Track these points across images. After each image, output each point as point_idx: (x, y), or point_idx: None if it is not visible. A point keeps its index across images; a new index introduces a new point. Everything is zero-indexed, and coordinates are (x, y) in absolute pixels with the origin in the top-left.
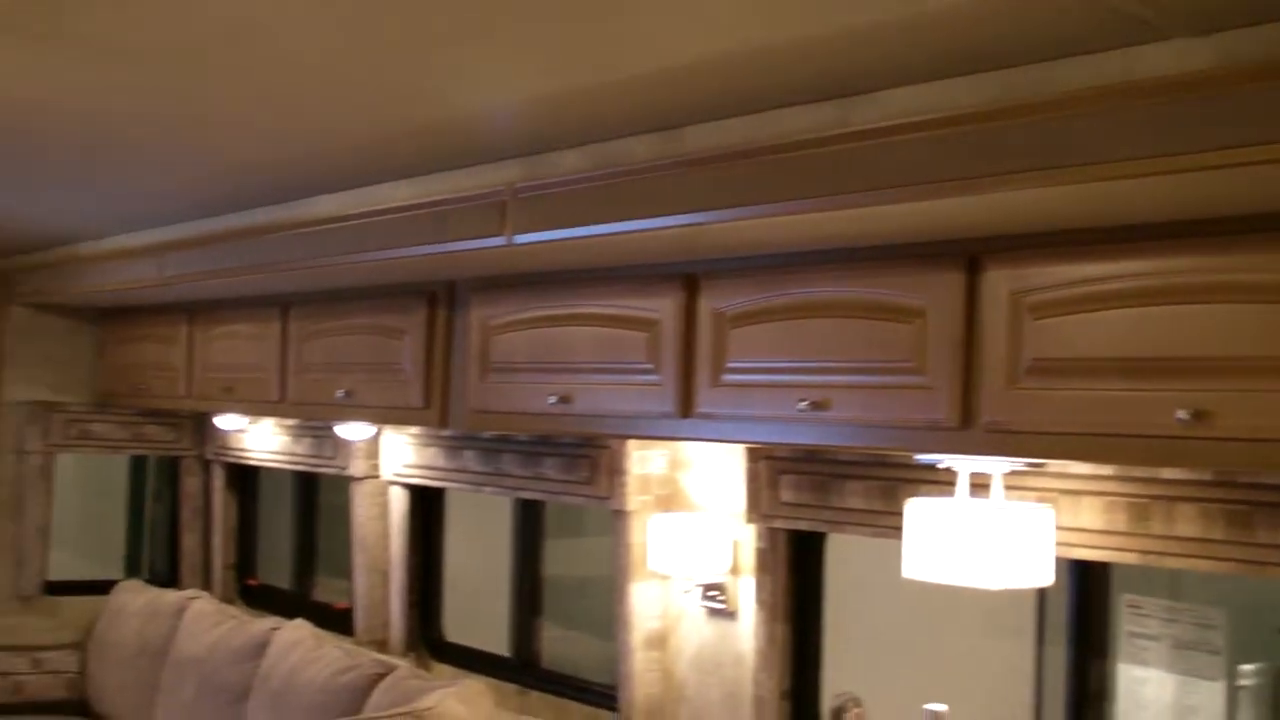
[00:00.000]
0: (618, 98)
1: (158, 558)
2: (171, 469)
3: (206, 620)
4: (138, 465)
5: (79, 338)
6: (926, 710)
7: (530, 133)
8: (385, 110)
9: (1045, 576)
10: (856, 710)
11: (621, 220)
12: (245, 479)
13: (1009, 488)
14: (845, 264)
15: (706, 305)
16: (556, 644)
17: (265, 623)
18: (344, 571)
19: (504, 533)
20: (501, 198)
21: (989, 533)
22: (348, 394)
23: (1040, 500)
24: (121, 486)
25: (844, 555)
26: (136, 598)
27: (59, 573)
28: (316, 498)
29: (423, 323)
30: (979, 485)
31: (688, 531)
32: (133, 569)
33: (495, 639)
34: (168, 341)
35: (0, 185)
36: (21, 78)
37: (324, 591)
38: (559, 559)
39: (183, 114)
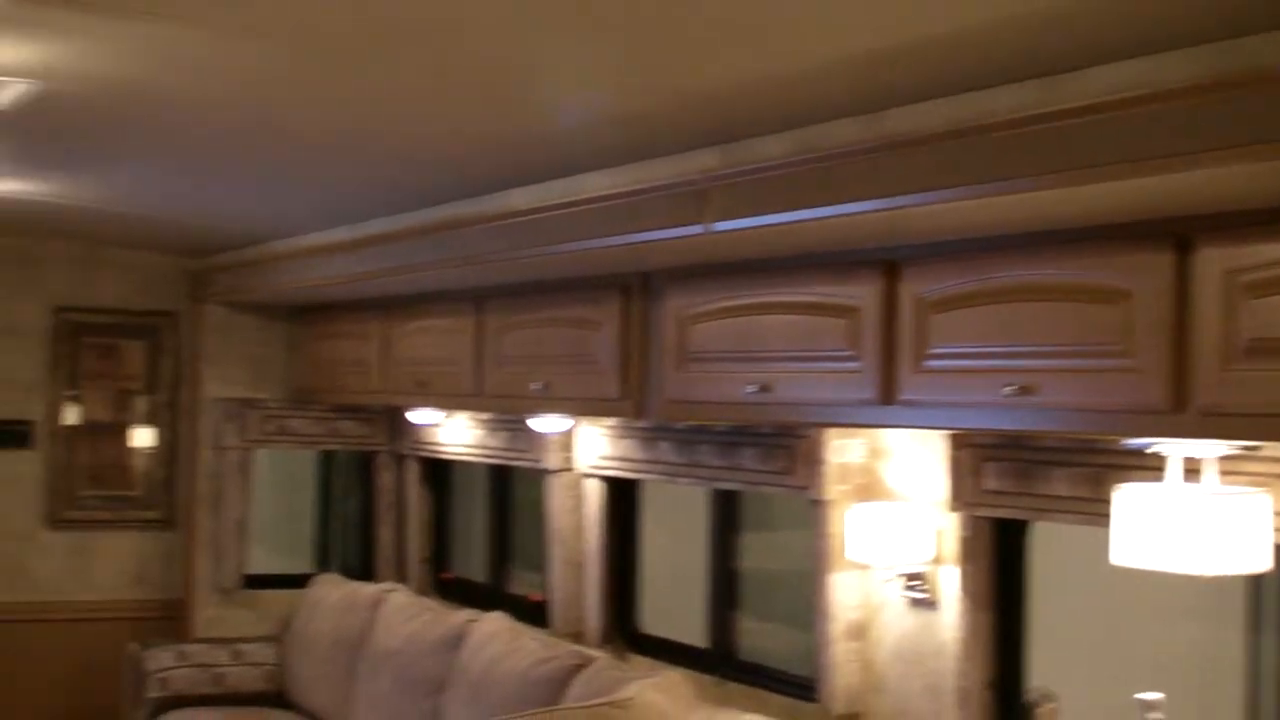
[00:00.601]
0: (819, 82)
1: (348, 552)
2: (361, 464)
3: (403, 613)
4: (325, 460)
5: (274, 335)
6: (1139, 699)
7: (729, 119)
8: (580, 100)
9: (1262, 562)
10: (1050, 705)
11: (823, 205)
12: (439, 473)
13: (1223, 472)
14: (1050, 246)
15: (908, 291)
16: (751, 636)
17: (462, 615)
18: (537, 564)
19: (697, 524)
20: (700, 185)
21: (1203, 519)
22: (543, 387)
23: (1255, 485)
24: (310, 482)
25: (1038, 542)
26: (333, 591)
27: (255, 567)
28: (510, 491)
29: (618, 314)
30: (1189, 470)
31: (888, 520)
32: (322, 563)
33: (691, 631)
34: (362, 337)
35: (199, 185)
36: (218, 74)
37: (518, 584)
38: (748, 552)
39: (377, 109)
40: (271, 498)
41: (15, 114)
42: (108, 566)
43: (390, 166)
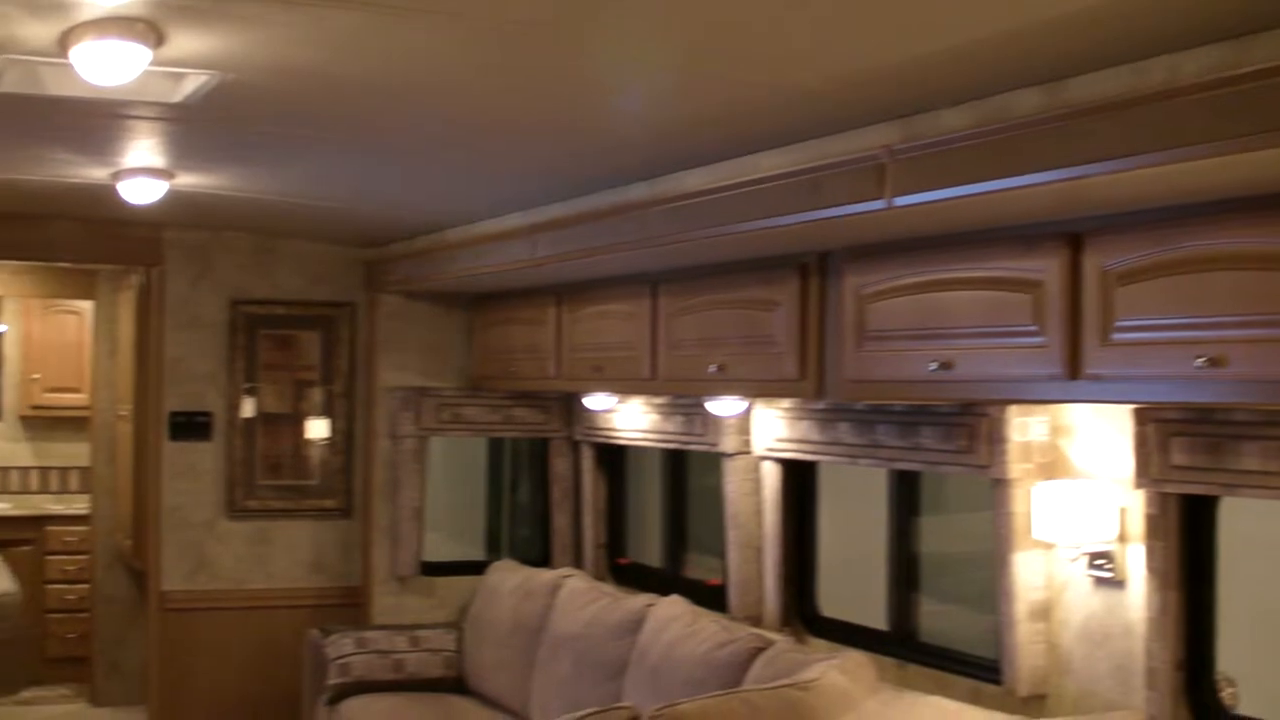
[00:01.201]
0: (999, 52)
1: (518, 538)
2: (533, 450)
3: (581, 598)
4: (495, 447)
5: (449, 323)
6: None
7: (908, 92)
8: (757, 77)
9: None
10: (1230, 690)
11: (1005, 177)
12: (613, 459)
13: None
14: (1239, 213)
15: (1092, 263)
16: (931, 619)
17: (640, 599)
18: (712, 549)
19: (875, 505)
20: (879, 160)
21: None
22: (720, 369)
23: None
24: (480, 469)
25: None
26: (511, 577)
27: (429, 554)
28: (685, 476)
29: (795, 294)
30: None
31: (1073, 499)
32: (493, 550)
33: (869, 613)
34: (537, 324)
35: (377, 175)
36: (399, 61)
37: (694, 569)
38: (928, 534)
39: (554, 92)
40: (442, 485)
41: (196, 106)
42: (286, 555)
43: (568, 151)
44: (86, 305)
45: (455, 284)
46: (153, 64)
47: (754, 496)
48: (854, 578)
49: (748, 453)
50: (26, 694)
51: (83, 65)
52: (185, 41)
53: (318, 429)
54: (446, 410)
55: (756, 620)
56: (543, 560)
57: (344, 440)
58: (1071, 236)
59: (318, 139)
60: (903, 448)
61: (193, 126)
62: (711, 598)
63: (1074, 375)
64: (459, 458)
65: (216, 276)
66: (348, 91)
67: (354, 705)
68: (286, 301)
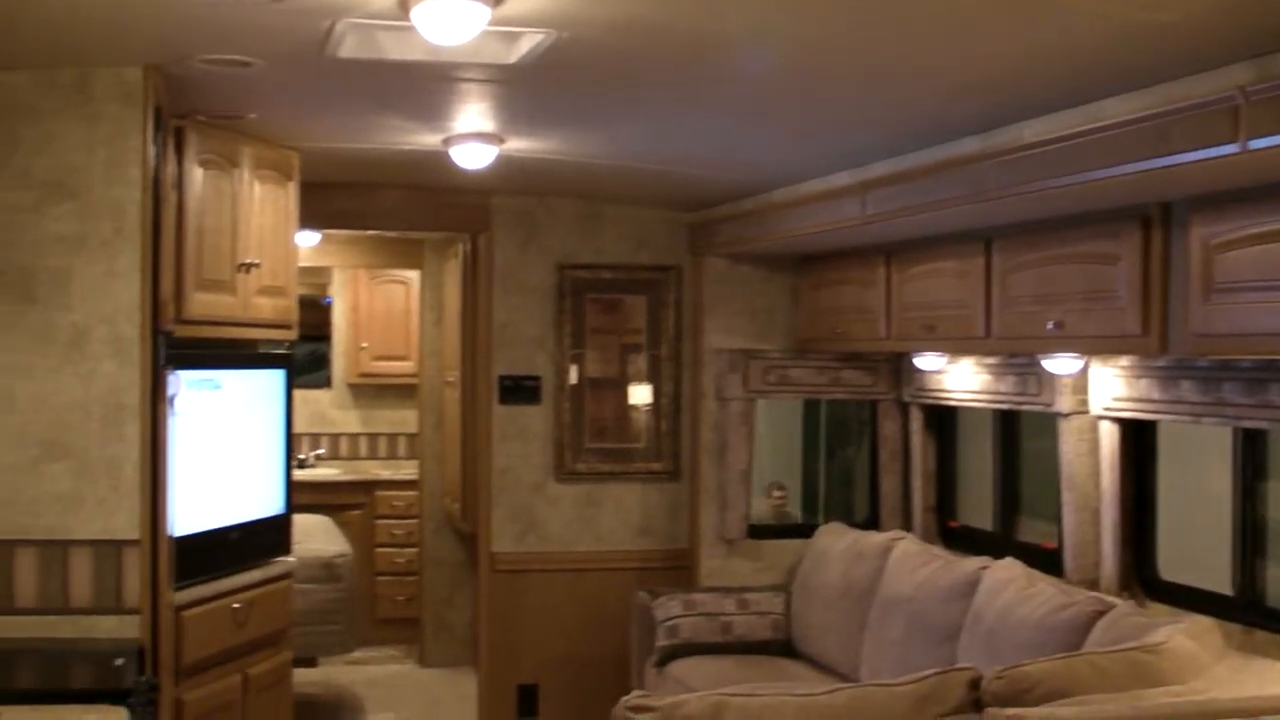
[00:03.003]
0: None
1: (834, 500)
2: (849, 413)
3: (912, 560)
4: (811, 409)
5: (775, 285)
6: None
7: (1265, 27)
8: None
9: None
10: None
11: None
12: (942, 420)
13: None
14: None
15: None
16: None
17: (973, 562)
18: (1043, 512)
19: (1218, 466)
20: (1234, 101)
21: None
22: (1057, 326)
23: None
24: (797, 431)
25: None
26: (839, 540)
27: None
28: (1017, 437)
29: (1138, 246)
30: None
31: None
32: (811, 511)
33: (1212, 578)
34: (865, 284)
35: (706, 135)
36: (729, 10)
37: (1026, 532)
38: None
39: (889, 36)
40: (761, 449)
41: (529, 67)
42: (614, 517)
43: (902, 103)
44: (413, 275)
45: (781, 245)
46: (490, 23)
47: (1090, 457)
48: (1195, 541)
49: (1084, 412)
50: (358, 654)
51: (424, 25)
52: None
53: (638, 394)
54: (773, 372)
55: (1093, 584)
56: (866, 523)
57: (671, 403)
58: None
59: (647, 98)
60: (1251, 405)
61: (525, 88)
62: (1046, 561)
63: None
64: (775, 420)
65: (543, 242)
66: (681, 46)
67: (682, 667)
68: (612, 265)
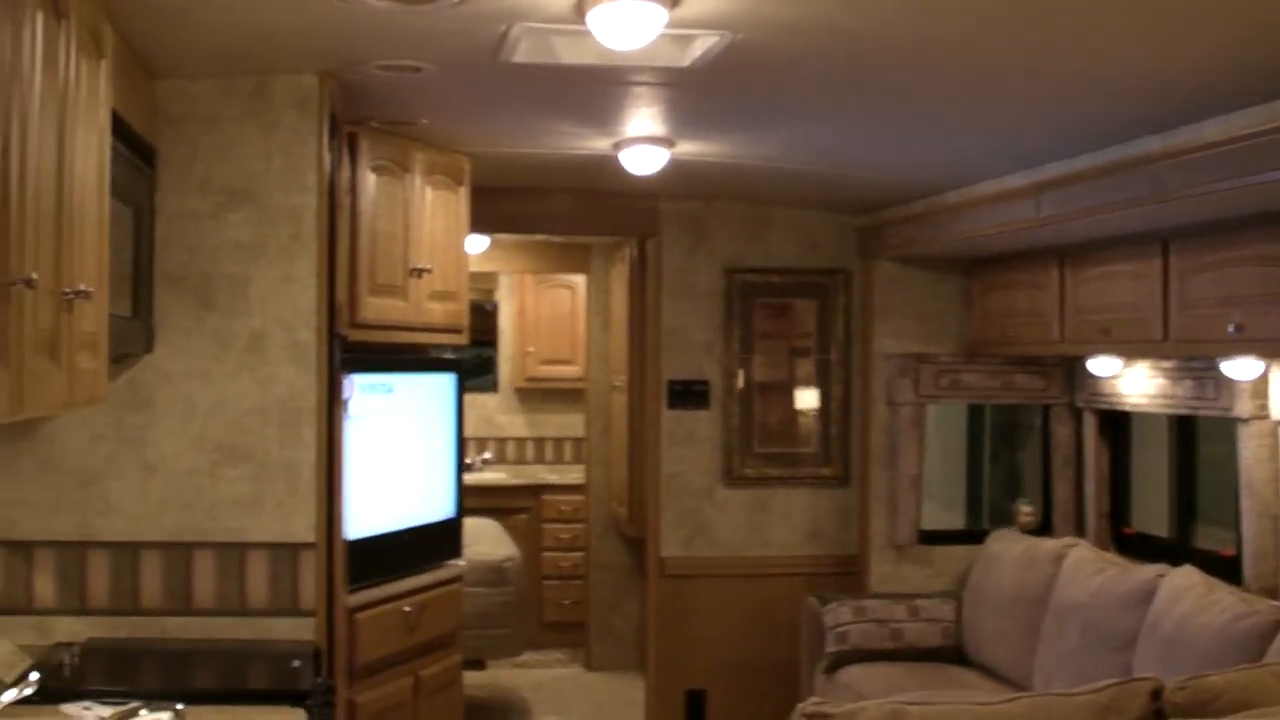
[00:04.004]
0: None
1: (1001, 506)
2: (1015, 417)
3: (1087, 567)
4: (974, 413)
5: (946, 288)
6: None
7: None
8: None
9: None
10: None
11: None
12: (1115, 425)
13: None
14: None
15: None
16: None
17: (1150, 569)
18: (1220, 518)
19: None
20: None
21: None
22: (1238, 329)
23: None
24: (959, 435)
25: None
26: (1012, 546)
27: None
28: (1195, 442)
29: None
30: None
31: None
32: (974, 517)
33: None
34: (1038, 286)
35: (877, 136)
36: (907, 11)
37: (1203, 539)
38: None
39: (1066, 40)
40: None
41: (703, 70)
42: (782, 523)
43: (1078, 102)
44: (579, 279)
45: (953, 248)
46: (665, 26)
47: (1271, 463)
48: None
49: (1265, 418)
50: (525, 657)
51: (599, 28)
52: (699, 1)
53: (807, 398)
54: (945, 377)
55: (1272, 592)
56: (1038, 529)
57: (841, 408)
58: None
59: (819, 101)
60: None
61: (696, 91)
62: (1223, 569)
63: None
64: (939, 424)
65: (710, 246)
66: (856, 48)
67: (852, 673)
68: (781, 269)
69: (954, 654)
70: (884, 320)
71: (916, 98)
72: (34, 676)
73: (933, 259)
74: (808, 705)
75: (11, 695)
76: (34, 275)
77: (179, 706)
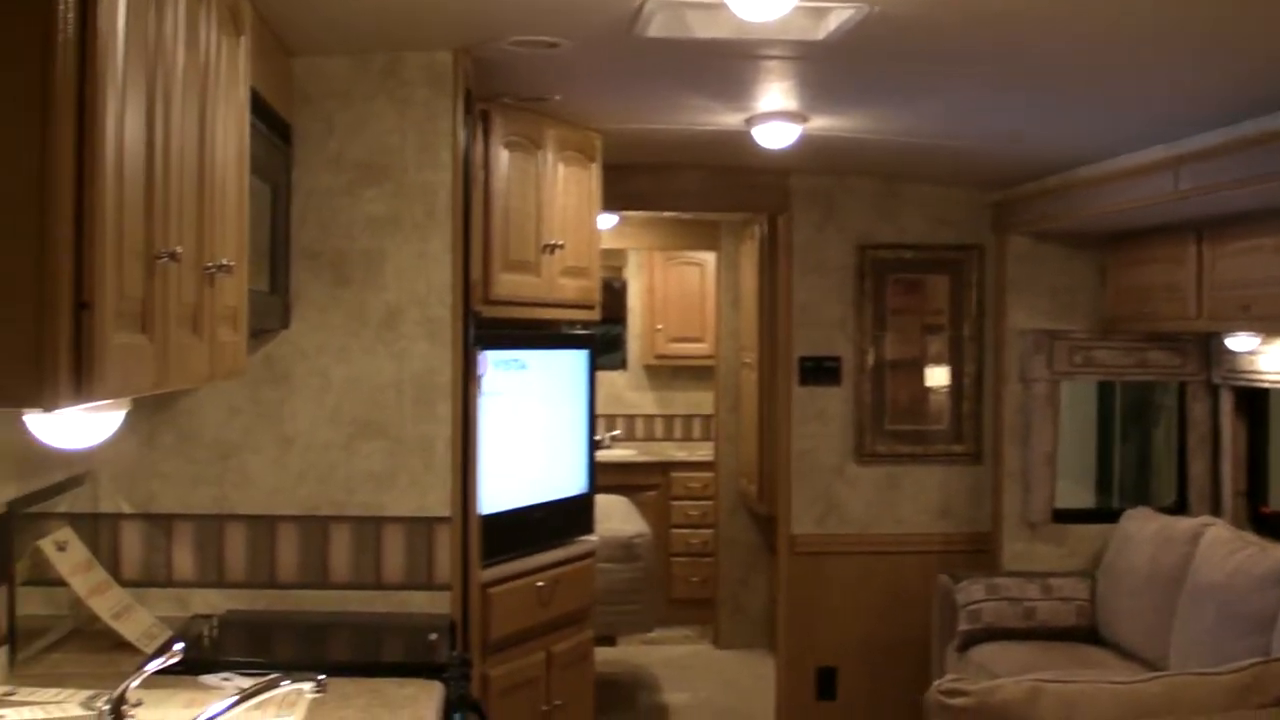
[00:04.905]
0: None
1: (1132, 484)
2: (1145, 395)
3: (1224, 547)
4: (1104, 391)
5: (1080, 264)
6: None
7: None
8: None
9: None
10: None
11: None
12: (1253, 402)
13: None
14: None
15: None
16: None
17: None
18: None
19: None
20: None
21: None
22: None
23: None
24: (1089, 413)
25: None
26: (1146, 525)
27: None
28: None
29: None
30: None
31: None
32: (1104, 495)
33: None
34: (1175, 261)
35: (1009, 111)
36: None
37: None
38: None
39: (1217, 6)
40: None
41: (837, 44)
42: (914, 500)
43: (1225, 72)
44: (708, 257)
45: (1088, 223)
46: None
47: None
48: None
49: None
50: (653, 634)
51: (736, 1)
52: None
53: (939, 375)
54: (1079, 353)
55: None
56: (1172, 508)
57: (973, 385)
58: None
59: (955, 74)
60: None
61: (830, 65)
62: None
63: None
64: (1070, 401)
65: (841, 222)
66: (994, 19)
67: (984, 652)
68: (913, 245)
69: (1088, 633)
70: (1017, 296)
71: (1055, 72)
72: (179, 646)
73: (1067, 234)
74: (944, 682)
75: (157, 664)
76: (178, 249)
77: (321, 677)
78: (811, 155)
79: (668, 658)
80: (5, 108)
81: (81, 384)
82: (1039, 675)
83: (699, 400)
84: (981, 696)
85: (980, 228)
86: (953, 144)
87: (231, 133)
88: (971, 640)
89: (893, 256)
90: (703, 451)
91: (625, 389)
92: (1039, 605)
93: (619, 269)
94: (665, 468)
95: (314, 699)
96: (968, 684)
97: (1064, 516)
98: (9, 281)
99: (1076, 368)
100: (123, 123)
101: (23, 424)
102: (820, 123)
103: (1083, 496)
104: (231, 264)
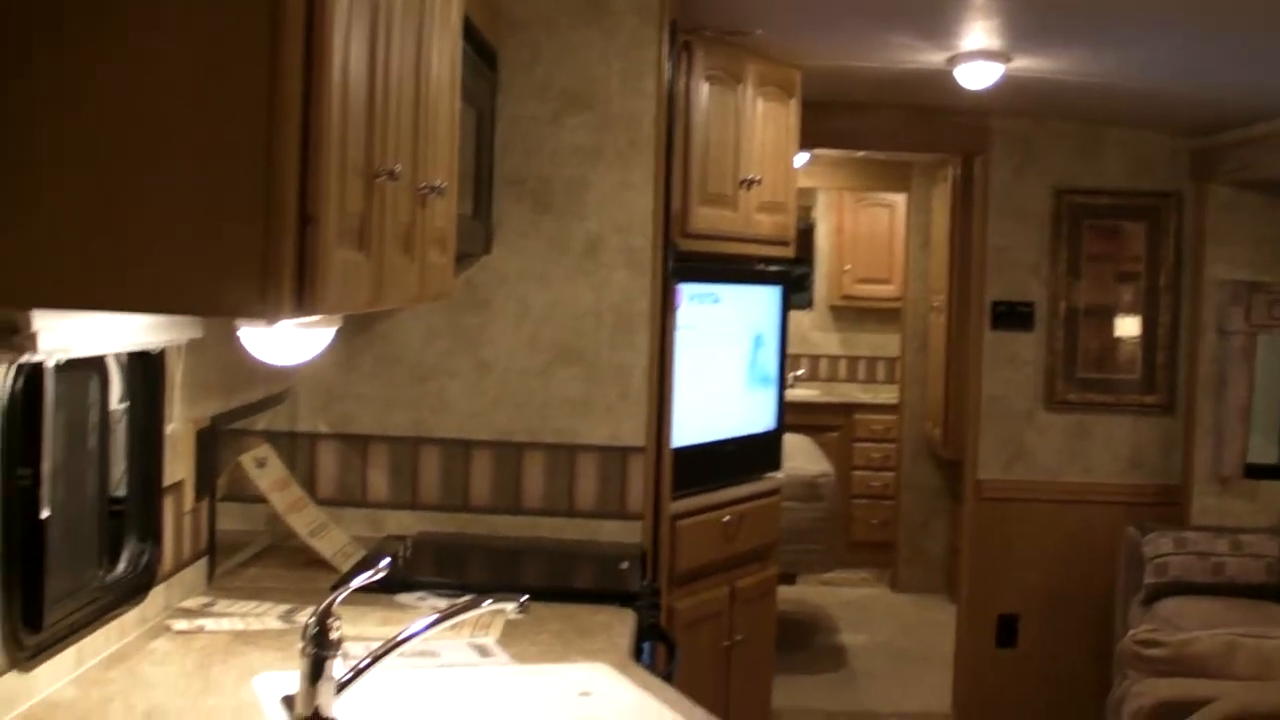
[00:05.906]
0: None
1: None
2: None
3: None
4: None
5: None
6: None
7: None
8: None
9: None
10: None
11: None
12: None
13: None
14: None
15: None
16: None
17: None
18: None
19: None
20: None
21: None
22: None
23: None
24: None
25: None
26: None
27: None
28: None
29: None
30: None
31: None
32: None
33: None
34: None
35: (1219, 52)
36: None
37: None
38: None
39: None
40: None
41: None
42: (1103, 450)
43: None
44: (898, 198)
45: None
46: None
47: None
48: None
49: None
50: (832, 575)
51: None
52: None
53: (1130, 324)
54: (1279, 306)
55: None
56: None
57: (1168, 335)
58: None
59: (1170, 13)
60: None
61: (1037, 4)
62: None
63: None
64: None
65: (1040, 165)
66: None
67: (1170, 606)
68: (1111, 191)
69: (1277, 591)
70: (1216, 246)
71: (1271, 11)
72: (385, 562)
73: (1271, 184)
74: (1140, 632)
75: (363, 578)
76: (397, 168)
77: (524, 598)
78: (1012, 96)
79: (845, 599)
80: (238, 30)
81: (304, 297)
82: (1235, 629)
83: (883, 343)
84: (1177, 648)
85: (1179, 175)
86: (1159, 87)
87: (445, 57)
88: (1157, 594)
89: (1090, 202)
90: (886, 394)
91: (811, 329)
92: (1228, 561)
93: (808, 209)
94: (848, 409)
95: (511, 620)
96: (1163, 635)
97: (1256, 472)
98: (237, 196)
99: (1276, 320)
100: (349, 43)
101: (234, 340)
102: (1024, 63)
103: (1275, 453)
104: (444, 185)
